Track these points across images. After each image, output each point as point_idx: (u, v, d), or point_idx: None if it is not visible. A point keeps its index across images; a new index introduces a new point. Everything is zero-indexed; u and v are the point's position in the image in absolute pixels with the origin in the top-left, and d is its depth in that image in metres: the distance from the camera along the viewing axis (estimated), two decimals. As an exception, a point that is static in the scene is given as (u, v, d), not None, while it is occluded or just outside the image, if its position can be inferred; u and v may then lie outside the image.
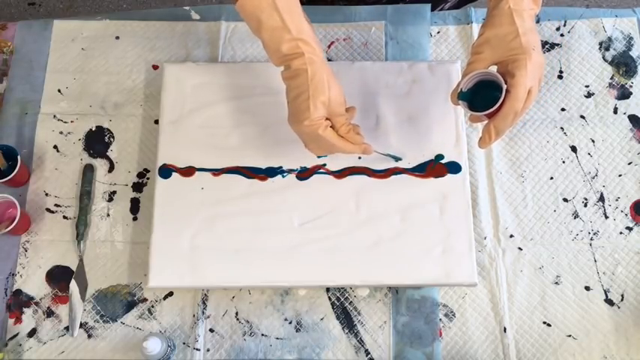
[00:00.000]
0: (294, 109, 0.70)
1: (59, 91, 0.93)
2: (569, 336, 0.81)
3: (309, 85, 0.68)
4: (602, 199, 0.88)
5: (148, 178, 0.89)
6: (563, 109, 0.92)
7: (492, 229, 0.86)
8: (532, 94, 0.68)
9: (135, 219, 0.87)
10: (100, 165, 0.90)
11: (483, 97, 0.70)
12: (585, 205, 0.87)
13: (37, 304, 0.83)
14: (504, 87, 0.68)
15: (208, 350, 0.81)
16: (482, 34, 0.71)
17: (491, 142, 0.71)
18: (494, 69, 0.71)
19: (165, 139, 0.85)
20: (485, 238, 0.85)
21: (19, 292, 0.84)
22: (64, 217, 0.87)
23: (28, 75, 0.94)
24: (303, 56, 0.68)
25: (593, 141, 0.90)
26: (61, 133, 0.91)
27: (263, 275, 0.79)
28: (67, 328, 0.82)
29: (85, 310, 0.83)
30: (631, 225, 0.86)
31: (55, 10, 1.87)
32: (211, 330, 0.82)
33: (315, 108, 0.68)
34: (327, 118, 0.71)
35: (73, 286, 0.83)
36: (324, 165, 0.84)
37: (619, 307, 0.83)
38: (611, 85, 0.93)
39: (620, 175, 0.89)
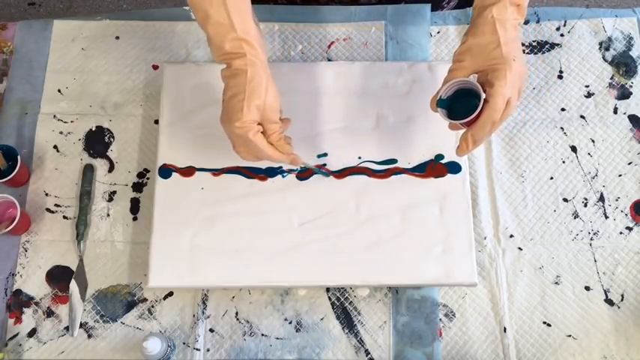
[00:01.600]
0: (228, 108, 0.69)
1: (59, 91, 0.93)
2: (569, 336, 0.81)
3: (247, 86, 0.67)
4: (602, 199, 0.88)
5: (148, 178, 0.89)
6: (563, 109, 0.92)
7: (492, 229, 0.86)
8: (511, 105, 0.68)
9: (135, 219, 0.87)
10: (100, 165, 0.90)
11: (462, 105, 0.70)
12: (585, 205, 0.87)
13: (37, 304, 0.83)
14: (482, 96, 0.67)
15: (208, 350, 0.81)
16: (464, 42, 0.70)
17: (469, 151, 0.71)
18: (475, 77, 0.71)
19: (165, 139, 0.85)
20: (485, 238, 0.85)
21: (19, 292, 0.84)
22: (64, 217, 0.87)
23: (28, 75, 0.94)
24: (244, 57, 0.67)
25: (593, 141, 0.90)
26: (61, 133, 0.91)
27: (263, 275, 0.80)
28: (67, 328, 0.82)
29: (85, 310, 0.83)
30: (631, 225, 0.86)
31: (55, 10, 1.87)
32: (211, 330, 0.82)
33: (248, 110, 0.67)
34: (259, 123, 0.70)
35: (73, 286, 0.83)
36: (324, 165, 0.84)
37: (619, 307, 0.83)
38: (611, 85, 0.93)
39: (620, 175, 0.89)
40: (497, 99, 0.66)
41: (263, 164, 0.84)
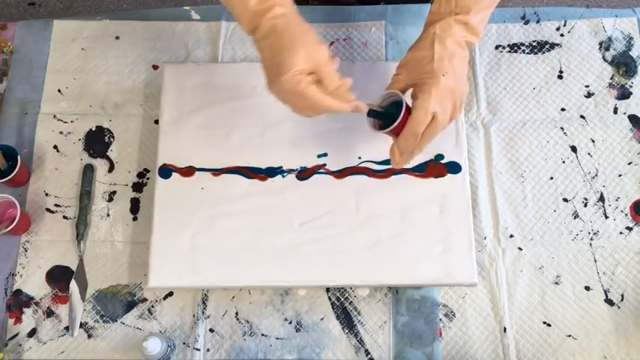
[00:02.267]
0: (270, 68, 0.65)
1: (59, 91, 0.93)
2: (569, 336, 0.81)
3: (284, 36, 0.63)
4: (602, 199, 0.88)
5: (148, 178, 0.89)
6: (563, 109, 0.92)
7: (492, 229, 0.86)
8: (437, 120, 0.67)
9: (135, 219, 0.87)
10: (100, 165, 0.90)
11: (395, 118, 0.69)
12: (585, 205, 0.87)
13: (37, 304, 0.83)
14: (403, 108, 0.68)
15: (208, 350, 0.81)
16: (404, 57, 0.71)
17: (400, 163, 0.71)
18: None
19: (165, 139, 0.85)
20: (485, 238, 0.85)
21: (19, 292, 0.84)
22: (64, 217, 0.87)
23: (28, 75, 0.94)
24: (273, 8, 0.64)
25: (593, 141, 0.90)
26: (61, 133, 0.91)
27: (263, 275, 0.79)
28: (67, 328, 0.82)
29: (85, 310, 0.83)
30: (631, 225, 0.86)
31: (55, 10, 1.87)
32: (211, 330, 0.82)
33: (294, 61, 0.62)
34: (311, 73, 0.64)
35: (73, 286, 0.83)
36: (324, 165, 0.84)
37: (619, 307, 0.83)
38: (611, 85, 0.93)
39: (620, 175, 0.89)
40: (419, 112, 0.66)
41: (263, 164, 0.84)
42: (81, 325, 0.82)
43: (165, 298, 0.84)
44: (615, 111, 0.92)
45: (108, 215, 0.87)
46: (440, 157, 0.84)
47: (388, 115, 0.71)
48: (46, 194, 0.88)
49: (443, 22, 0.69)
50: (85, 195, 0.87)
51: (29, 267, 0.85)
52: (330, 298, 0.83)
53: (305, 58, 0.63)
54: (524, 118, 0.92)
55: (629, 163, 0.89)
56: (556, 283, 0.84)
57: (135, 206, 0.87)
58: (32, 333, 0.82)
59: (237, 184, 0.83)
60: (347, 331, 0.82)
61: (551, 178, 0.89)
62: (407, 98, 0.71)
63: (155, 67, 0.94)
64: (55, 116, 0.92)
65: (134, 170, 0.89)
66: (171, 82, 0.88)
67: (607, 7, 1.82)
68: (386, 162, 0.84)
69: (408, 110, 0.69)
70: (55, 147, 0.91)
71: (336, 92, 0.66)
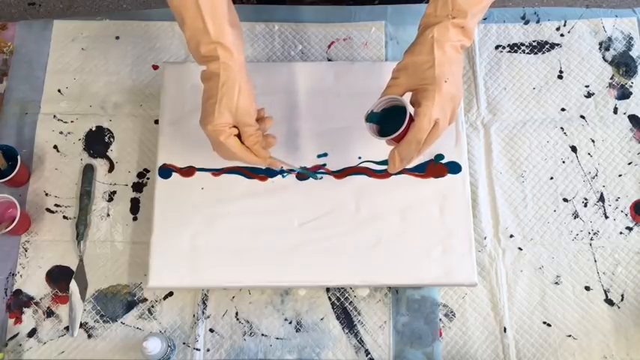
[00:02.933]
0: (203, 110, 0.70)
1: (59, 91, 0.93)
2: (569, 336, 0.81)
3: (219, 90, 0.68)
4: (602, 199, 0.88)
5: (148, 178, 0.89)
6: (563, 109, 0.92)
7: (492, 229, 0.86)
8: (439, 126, 0.68)
9: (135, 219, 0.87)
10: (100, 165, 0.90)
11: (394, 122, 0.69)
12: (585, 205, 0.87)
13: (37, 304, 0.83)
14: (408, 113, 0.68)
15: (208, 350, 0.81)
16: (402, 60, 0.70)
17: (398, 169, 0.71)
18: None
19: (165, 139, 0.85)
20: (485, 238, 0.85)
21: (19, 292, 0.84)
22: (64, 217, 0.87)
23: (28, 75, 0.94)
24: (217, 60, 0.68)
25: (593, 141, 0.90)
26: (61, 133, 0.91)
27: (263, 275, 0.79)
28: (67, 328, 0.82)
29: (85, 310, 0.83)
30: (631, 225, 0.86)
31: (55, 10, 1.87)
32: (211, 330, 0.82)
33: (220, 113, 0.68)
34: (235, 126, 0.71)
35: (73, 286, 0.83)
36: (324, 165, 0.84)
37: (619, 307, 0.83)
38: (611, 85, 0.93)
39: (620, 175, 0.89)
40: (422, 119, 0.67)
41: (263, 164, 0.84)
42: (81, 325, 0.82)
43: (165, 298, 0.84)
44: (615, 111, 0.92)
45: (108, 215, 0.87)
46: (440, 157, 0.84)
47: (387, 120, 0.71)
48: (46, 194, 0.88)
49: (440, 26, 0.68)
50: (85, 195, 0.87)
51: (29, 267, 0.85)
52: (330, 298, 0.83)
53: (229, 114, 0.69)
54: (524, 118, 0.92)
55: (629, 163, 0.89)
56: (556, 283, 0.84)
57: (135, 206, 0.87)
58: (32, 333, 0.82)
59: (237, 184, 0.83)
60: (347, 331, 0.82)
61: (551, 178, 0.89)
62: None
63: (155, 67, 0.94)
64: (55, 116, 0.92)
65: (134, 170, 0.89)
66: (171, 82, 0.88)
67: (607, 7, 1.82)
68: (386, 162, 0.84)
69: (410, 116, 0.69)
70: (55, 147, 0.91)
71: (254, 148, 0.73)
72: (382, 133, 0.71)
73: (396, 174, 0.83)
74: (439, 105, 0.67)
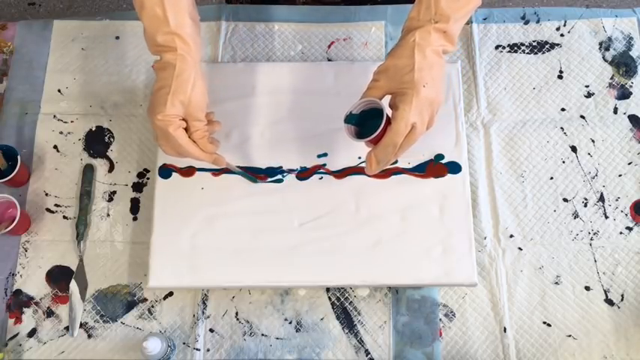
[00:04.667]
0: (153, 100, 0.69)
1: (59, 91, 0.93)
2: (569, 336, 0.81)
3: (173, 80, 0.68)
4: (602, 199, 0.87)
5: (148, 178, 0.89)
6: (563, 109, 0.92)
7: (492, 229, 0.86)
8: (416, 130, 0.67)
9: (135, 219, 0.87)
10: (100, 165, 0.90)
11: (373, 124, 0.69)
12: (585, 205, 0.87)
13: (37, 304, 0.83)
14: (384, 117, 0.68)
15: (208, 350, 0.81)
16: (383, 63, 0.70)
17: (374, 171, 0.71)
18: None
19: (165, 139, 0.85)
20: (485, 238, 0.85)
21: (19, 292, 0.84)
22: (64, 217, 0.87)
23: (28, 75, 0.94)
24: (175, 51, 0.68)
25: (593, 141, 0.90)
26: (61, 133, 0.91)
27: (263, 275, 0.79)
28: (67, 328, 0.82)
29: (85, 310, 0.83)
30: (631, 225, 0.86)
31: (55, 10, 1.87)
32: (211, 330, 0.82)
33: (172, 104, 0.68)
34: (184, 120, 0.70)
35: (73, 286, 0.83)
36: (324, 165, 0.84)
37: (619, 307, 0.83)
38: (611, 85, 0.93)
39: (620, 175, 0.89)
40: (399, 123, 0.66)
41: (263, 164, 0.84)
42: (81, 325, 0.82)
43: (165, 298, 0.84)
44: (615, 111, 0.92)
45: (108, 215, 0.87)
46: (440, 157, 0.84)
47: (365, 122, 0.71)
48: (46, 194, 0.88)
49: (422, 30, 0.68)
50: (85, 195, 0.87)
51: (29, 267, 0.85)
52: (330, 298, 0.83)
53: (180, 106, 0.69)
54: (524, 118, 0.92)
55: (629, 163, 0.89)
56: (556, 283, 0.84)
57: (135, 206, 0.87)
58: (32, 333, 0.82)
59: (237, 184, 0.83)
60: (347, 331, 0.82)
61: (551, 178, 0.89)
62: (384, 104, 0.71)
63: (155, 67, 0.94)
64: (55, 116, 0.92)
65: (134, 170, 0.89)
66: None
67: (607, 7, 1.82)
68: (386, 162, 0.84)
69: (387, 119, 0.68)
70: (55, 147, 0.91)
71: (200, 142, 0.72)
72: (360, 134, 0.72)
73: (396, 173, 0.83)
74: (417, 109, 0.66)
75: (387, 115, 0.69)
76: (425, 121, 0.68)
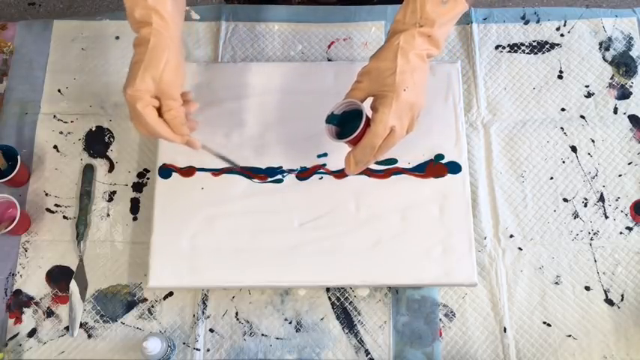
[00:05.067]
0: (129, 72, 0.68)
1: (59, 91, 0.93)
2: (569, 336, 0.81)
3: (146, 55, 0.66)
4: (602, 199, 0.87)
5: (148, 178, 0.89)
6: (563, 109, 0.92)
7: (492, 229, 0.86)
8: (395, 134, 0.67)
9: (135, 219, 0.87)
10: (100, 165, 0.90)
11: (354, 125, 0.69)
12: (585, 205, 0.87)
13: (37, 304, 0.83)
14: (364, 119, 0.68)
15: (208, 350, 0.81)
16: (367, 64, 0.70)
17: (353, 172, 0.71)
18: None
19: (166, 139, 0.85)
20: (485, 238, 0.85)
21: (19, 292, 0.84)
22: (64, 217, 0.87)
23: (28, 75, 0.94)
24: (150, 26, 0.67)
25: (593, 141, 0.90)
26: (61, 133, 0.91)
27: (263, 275, 0.79)
28: (67, 328, 0.82)
29: (85, 310, 0.83)
30: (631, 225, 0.86)
31: (55, 10, 1.87)
32: (211, 330, 0.82)
33: (141, 79, 0.65)
34: (157, 98, 0.68)
35: (73, 286, 0.83)
36: (324, 165, 0.84)
37: (619, 307, 0.83)
38: (611, 85, 0.93)
39: (620, 175, 0.89)
40: (378, 125, 0.66)
41: (263, 164, 0.84)
42: (81, 325, 0.82)
43: (165, 298, 0.84)
44: (615, 111, 0.92)
45: (108, 215, 0.87)
46: (440, 157, 0.84)
47: (347, 123, 0.71)
48: (46, 194, 0.88)
49: (407, 34, 0.68)
50: (85, 195, 0.87)
51: (29, 267, 0.85)
52: (330, 298, 0.83)
53: (151, 82, 0.66)
54: (524, 118, 0.92)
55: (629, 163, 0.89)
56: (556, 283, 0.84)
57: (135, 206, 0.87)
58: (32, 333, 0.82)
59: (237, 184, 0.83)
60: (347, 331, 0.82)
61: (551, 178, 0.89)
62: (366, 106, 0.70)
63: (155, 67, 0.94)
64: (55, 116, 0.92)
65: (134, 170, 0.89)
66: (171, 82, 0.88)
67: (607, 7, 1.82)
68: (386, 162, 0.84)
69: (367, 121, 0.68)
70: (55, 147, 0.91)
71: (172, 122, 0.69)
72: (341, 135, 0.72)
73: (396, 173, 0.83)
74: (396, 113, 0.66)
75: (368, 117, 0.69)
76: (404, 125, 0.68)
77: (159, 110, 0.69)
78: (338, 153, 0.85)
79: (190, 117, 0.73)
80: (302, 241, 0.80)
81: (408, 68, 0.67)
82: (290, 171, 0.84)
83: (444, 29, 0.70)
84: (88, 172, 0.88)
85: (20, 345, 0.81)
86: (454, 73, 0.88)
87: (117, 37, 0.96)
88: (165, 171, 0.84)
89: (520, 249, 0.85)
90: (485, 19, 0.97)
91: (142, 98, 0.66)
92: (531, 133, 0.91)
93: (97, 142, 0.91)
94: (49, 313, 0.83)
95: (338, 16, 0.97)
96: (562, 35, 0.96)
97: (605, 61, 0.95)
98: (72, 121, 0.92)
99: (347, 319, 0.82)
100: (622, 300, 0.83)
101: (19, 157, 0.84)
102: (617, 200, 0.87)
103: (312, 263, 0.80)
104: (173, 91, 0.68)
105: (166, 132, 0.69)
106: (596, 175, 0.89)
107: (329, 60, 0.95)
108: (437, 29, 0.68)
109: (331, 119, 0.72)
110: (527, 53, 0.95)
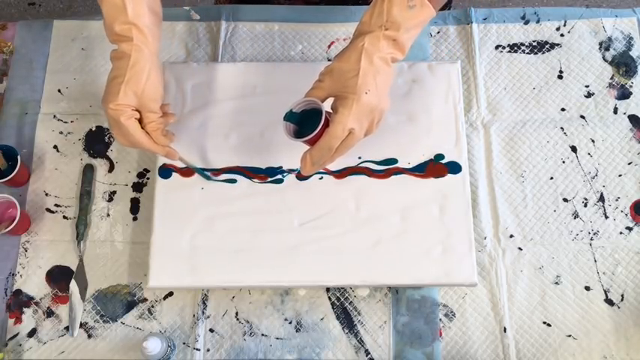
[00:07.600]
0: (107, 89, 0.70)
1: (59, 91, 0.93)
2: (569, 336, 0.81)
3: (127, 70, 0.68)
4: (602, 199, 0.88)
5: (148, 178, 0.89)
6: (563, 109, 0.92)
7: (492, 229, 0.86)
8: (354, 136, 0.67)
9: (135, 219, 0.87)
10: (100, 165, 0.90)
11: (313, 125, 0.68)
12: (585, 205, 0.87)
13: (37, 304, 0.83)
14: (322, 120, 0.67)
15: (208, 350, 0.81)
16: (330, 64, 0.69)
17: (309, 172, 0.71)
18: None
19: (165, 139, 0.85)
20: (485, 238, 0.85)
21: (19, 292, 0.84)
22: (64, 217, 0.87)
23: (28, 75, 0.94)
24: (131, 41, 0.69)
25: (593, 141, 0.90)
26: (61, 133, 0.91)
27: (263, 275, 0.79)
28: (67, 328, 0.82)
29: (85, 310, 0.83)
30: (631, 225, 0.86)
31: (55, 10, 1.87)
32: (211, 330, 0.82)
33: (124, 94, 0.68)
34: (137, 110, 0.70)
35: (73, 286, 0.83)
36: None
37: (619, 307, 0.83)
38: (611, 85, 0.93)
39: (620, 175, 0.89)
40: (336, 127, 0.66)
41: (263, 164, 0.84)
42: (81, 325, 0.82)
43: (165, 298, 0.84)
44: (615, 111, 0.92)
45: (108, 215, 0.87)
46: (440, 157, 0.84)
47: (305, 122, 0.70)
48: (46, 194, 0.88)
49: (372, 36, 0.67)
50: (85, 195, 0.87)
51: (29, 267, 0.85)
52: (330, 298, 0.83)
53: (133, 96, 0.69)
54: (524, 118, 0.92)
55: (629, 163, 0.89)
56: (556, 283, 0.84)
57: (135, 206, 0.87)
58: (32, 333, 0.82)
59: (237, 184, 0.83)
60: (347, 331, 0.82)
61: (551, 178, 0.89)
62: (326, 106, 0.69)
63: (155, 67, 0.94)
64: (55, 116, 0.92)
65: (134, 170, 0.89)
66: (171, 82, 0.88)
67: (607, 7, 1.82)
68: (386, 162, 0.84)
69: (327, 121, 0.68)
70: (55, 147, 0.91)
71: (154, 134, 0.72)
72: (298, 133, 0.71)
73: (396, 173, 0.83)
74: (355, 115, 0.66)
75: (327, 117, 0.68)
76: (364, 128, 0.67)
77: (140, 122, 0.71)
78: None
79: (167, 128, 0.75)
80: (302, 241, 0.80)
81: (372, 71, 0.66)
82: (290, 171, 0.84)
83: (410, 34, 0.69)
84: (88, 172, 0.88)
85: (20, 345, 0.81)
86: (454, 73, 0.88)
87: (117, 37, 0.96)
88: (165, 171, 0.84)
89: (520, 249, 0.85)
90: (485, 19, 0.97)
91: (125, 112, 0.69)
92: (531, 133, 0.91)
93: (97, 142, 0.91)
94: (49, 313, 0.83)
95: (338, 16, 0.97)
96: (562, 35, 0.96)
97: (605, 61, 0.95)
98: (72, 121, 0.92)
99: (347, 319, 0.82)
100: (622, 300, 0.83)
101: (19, 157, 0.84)
102: (617, 200, 0.87)
103: (312, 263, 0.80)
104: (154, 104, 0.71)
105: (148, 143, 0.72)
106: (596, 175, 0.89)
107: (329, 60, 0.95)
108: (403, 33, 0.68)
109: (290, 117, 0.71)
110: (527, 53, 0.95)
